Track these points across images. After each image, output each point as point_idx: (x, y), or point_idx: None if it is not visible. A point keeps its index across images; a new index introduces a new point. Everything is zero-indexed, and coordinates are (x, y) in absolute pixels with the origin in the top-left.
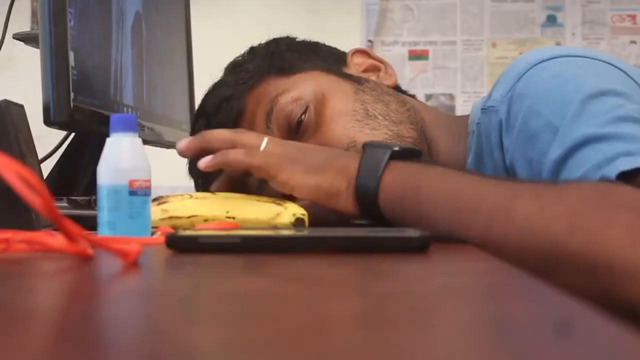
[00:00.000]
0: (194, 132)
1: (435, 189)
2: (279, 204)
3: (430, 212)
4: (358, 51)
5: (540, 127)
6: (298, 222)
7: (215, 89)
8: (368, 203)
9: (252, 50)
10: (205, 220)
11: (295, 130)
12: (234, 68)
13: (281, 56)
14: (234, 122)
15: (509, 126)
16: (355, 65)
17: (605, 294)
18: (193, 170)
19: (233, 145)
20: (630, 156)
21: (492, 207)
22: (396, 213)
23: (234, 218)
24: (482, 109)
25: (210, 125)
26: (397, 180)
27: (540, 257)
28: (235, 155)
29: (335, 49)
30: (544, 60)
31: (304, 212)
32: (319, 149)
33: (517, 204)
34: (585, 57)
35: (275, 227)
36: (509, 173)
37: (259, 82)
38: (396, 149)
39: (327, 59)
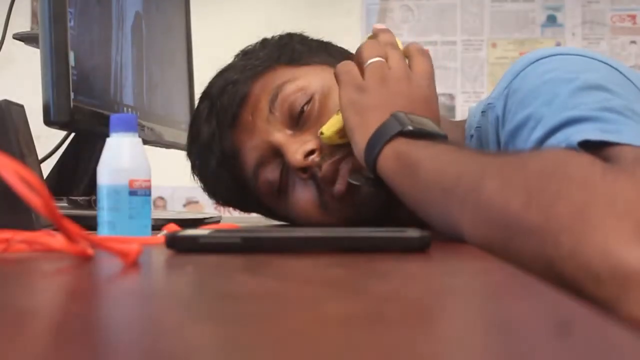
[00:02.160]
0: (196, 113)
1: (428, 168)
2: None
3: (423, 193)
4: None
5: (528, 117)
6: None
7: (222, 73)
8: (371, 168)
9: (264, 40)
10: None
11: (297, 118)
12: (244, 55)
13: (292, 48)
14: (238, 105)
15: (504, 120)
16: None
17: (549, 268)
18: (191, 153)
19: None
20: (602, 132)
21: (464, 189)
22: (395, 185)
23: None
24: (482, 111)
25: (213, 107)
26: (394, 158)
27: (501, 236)
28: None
29: (345, 49)
30: (541, 58)
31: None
32: (380, 94)
33: (485, 183)
34: (582, 55)
35: (273, 227)
36: None
37: (267, 69)
38: (410, 128)
39: (337, 57)
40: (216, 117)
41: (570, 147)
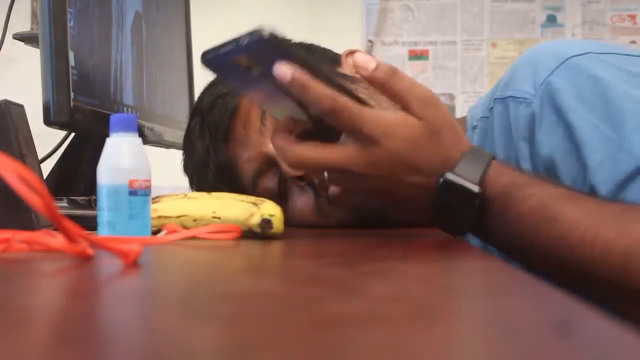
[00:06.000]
0: (189, 129)
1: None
2: (255, 204)
3: (545, 267)
4: (352, 52)
5: (584, 130)
6: (264, 223)
7: (210, 87)
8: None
9: None
10: (194, 220)
11: None
12: None
13: None
14: (229, 118)
15: (545, 120)
16: (349, 66)
17: None
18: (187, 169)
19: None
20: None
21: (605, 276)
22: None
23: (219, 218)
24: (495, 98)
25: (205, 122)
26: (491, 236)
27: None
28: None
29: (329, 50)
30: (575, 56)
31: (274, 212)
32: (381, 187)
33: (633, 267)
34: (615, 53)
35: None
36: (535, 165)
37: None
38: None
39: (322, 59)
40: (208, 131)
41: None
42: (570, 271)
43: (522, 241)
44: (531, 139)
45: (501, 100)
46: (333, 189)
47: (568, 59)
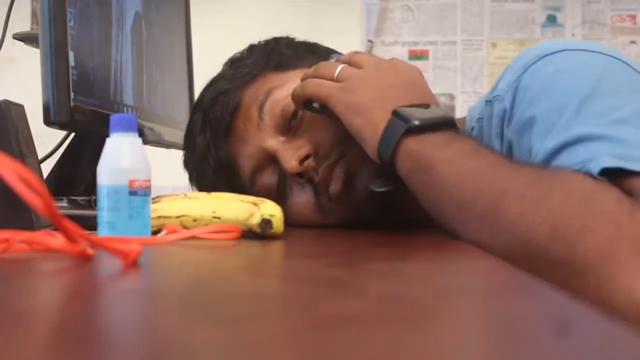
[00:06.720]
0: (190, 125)
1: (444, 176)
2: (255, 204)
3: (439, 201)
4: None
5: (537, 120)
6: (264, 223)
7: (212, 83)
8: (390, 168)
9: (251, 47)
10: (194, 220)
11: (289, 124)
12: (232, 63)
13: (279, 53)
14: (230, 115)
15: (511, 116)
16: None
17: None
18: (187, 165)
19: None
20: (617, 158)
21: (483, 207)
22: (411, 184)
23: (219, 218)
24: (486, 101)
25: (206, 118)
26: (408, 158)
27: (523, 260)
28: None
29: (332, 49)
30: (550, 54)
31: (275, 213)
32: (369, 89)
33: (504, 206)
34: (591, 51)
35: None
36: None
37: (256, 77)
38: (417, 123)
39: (324, 57)
40: (210, 128)
41: (589, 173)
42: (457, 206)
43: (446, 164)
44: (502, 135)
45: (490, 103)
46: (334, 187)
47: (543, 57)
